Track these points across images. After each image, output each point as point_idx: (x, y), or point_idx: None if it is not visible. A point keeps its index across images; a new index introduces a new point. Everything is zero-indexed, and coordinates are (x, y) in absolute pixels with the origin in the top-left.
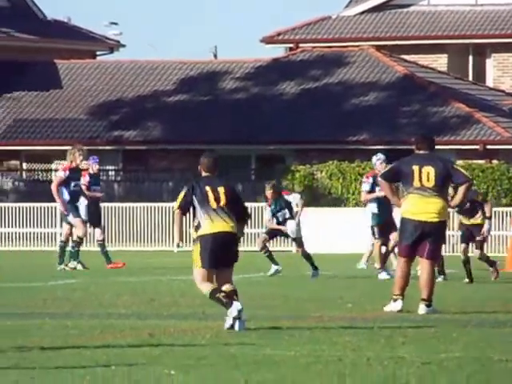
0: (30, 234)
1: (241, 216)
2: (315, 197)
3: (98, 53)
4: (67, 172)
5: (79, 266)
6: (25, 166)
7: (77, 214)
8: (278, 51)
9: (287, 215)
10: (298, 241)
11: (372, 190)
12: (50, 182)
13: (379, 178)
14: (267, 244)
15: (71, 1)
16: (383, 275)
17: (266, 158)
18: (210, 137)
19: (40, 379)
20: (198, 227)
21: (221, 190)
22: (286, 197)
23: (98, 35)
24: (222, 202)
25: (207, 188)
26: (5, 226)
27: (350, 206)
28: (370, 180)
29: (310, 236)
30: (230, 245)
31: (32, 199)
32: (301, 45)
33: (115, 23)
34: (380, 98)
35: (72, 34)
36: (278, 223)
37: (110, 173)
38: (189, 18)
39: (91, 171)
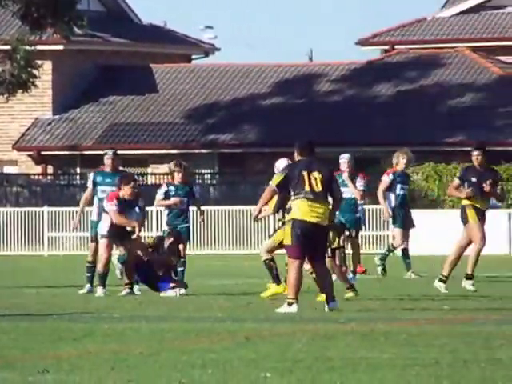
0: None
1: (335, 200)
2: (411, 198)
3: (193, 56)
4: (391, 176)
5: None
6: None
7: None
8: (373, 53)
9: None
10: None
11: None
12: (147, 185)
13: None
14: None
15: (167, 5)
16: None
17: (361, 159)
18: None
19: (136, 382)
20: (289, 210)
21: (317, 174)
22: None
23: (194, 39)
24: (318, 186)
25: (304, 172)
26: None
27: (447, 208)
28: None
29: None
30: (320, 236)
31: None
32: (396, 46)
33: (210, 27)
34: (476, 99)
35: (167, 38)
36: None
37: (205, 176)
38: (284, 20)
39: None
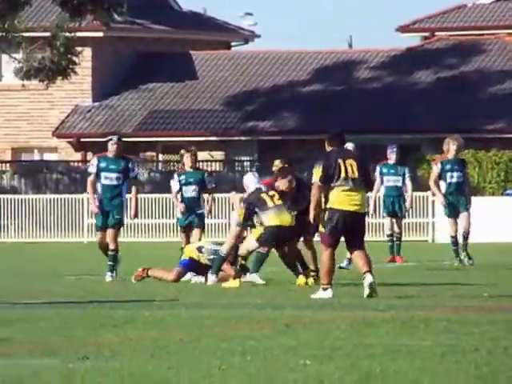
0: (166, 224)
1: (368, 186)
2: None
3: (232, 43)
4: (439, 165)
5: None
6: (161, 157)
7: None
8: (413, 40)
9: None
10: None
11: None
12: None
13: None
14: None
15: None
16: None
17: (401, 147)
18: (345, 126)
19: (176, 369)
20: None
21: (352, 162)
22: None
23: (233, 26)
24: (354, 173)
25: (339, 161)
26: (141, 217)
27: (487, 195)
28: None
29: (444, 225)
30: (358, 223)
31: (168, 190)
32: (436, 33)
33: (250, 14)
34: None
35: (207, 25)
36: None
37: (245, 163)
38: (324, 7)
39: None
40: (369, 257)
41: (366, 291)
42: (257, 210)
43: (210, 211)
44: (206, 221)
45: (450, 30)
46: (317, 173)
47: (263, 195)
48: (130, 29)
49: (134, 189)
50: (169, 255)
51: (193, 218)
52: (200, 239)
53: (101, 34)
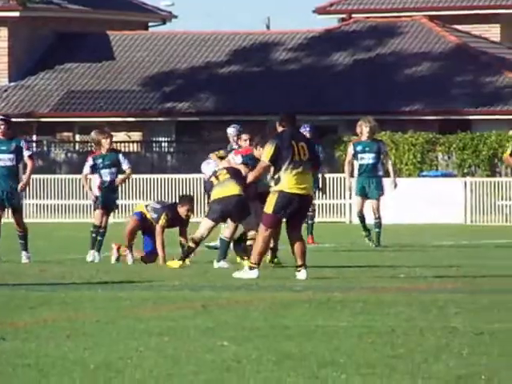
0: (82, 205)
1: (314, 168)
2: None
3: (150, 24)
4: (351, 146)
5: None
6: (78, 137)
7: None
8: (330, 22)
9: None
10: None
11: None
12: None
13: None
14: None
15: None
16: None
17: (318, 128)
18: (263, 108)
19: (92, 350)
20: (278, 181)
21: (303, 144)
22: None
23: (150, 6)
24: (305, 156)
25: (293, 143)
26: (57, 198)
27: (403, 177)
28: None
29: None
30: (303, 206)
31: None
32: (354, 15)
33: None
34: (433, 68)
35: (124, 5)
36: None
37: (163, 144)
38: None
39: None
40: (305, 247)
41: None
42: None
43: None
44: (123, 201)
45: (368, 11)
46: (268, 152)
47: (212, 178)
48: (46, 8)
49: (29, 163)
50: (85, 235)
51: (110, 200)
52: (106, 223)
53: (17, 14)
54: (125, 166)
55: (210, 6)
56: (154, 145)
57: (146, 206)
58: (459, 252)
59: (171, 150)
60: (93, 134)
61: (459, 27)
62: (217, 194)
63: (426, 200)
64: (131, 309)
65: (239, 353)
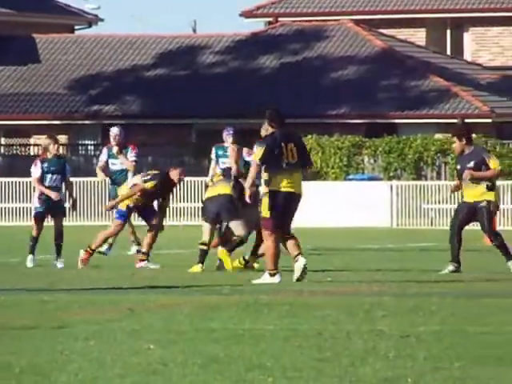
0: (8, 209)
1: (304, 167)
2: None
3: (76, 27)
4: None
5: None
6: (3, 140)
7: None
8: (257, 25)
9: None
10: None
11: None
12: (29, 156)
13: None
14: None
15: None
16: None
17: (246, 131)
18: (190, 111)
19: (18, 354)
20: (267, 182)
21: (292, 146)
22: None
23: (76, 9)
24: (294, 158)
25: (282, 144)
26: None
27: (330, 180)
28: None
29: None
30: (295, 204)
31: (10, 174)
32: (280, 19)
33: None
34: (359, 72)
35: (50, 8)
36: None
37: (89, 147)
38: None
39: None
40: (298, 241)
41: (297, 274)
42: None
43: (74, 204)
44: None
45: (294, 15)
46: (258, 152)
47: (209, 181)
48: None
49: None
50: (10, 238)
51: (53, 206)
52: (62, 227)
53: None
54: (68, 174)
55: (136, 10)
56: (79, 148)
57: (132, 185)
58: (385, 255)
59: (97, 152)
60: (44, 139)
61: (385, 31)
62: (208, 193)
63: (353, 203)
64: (56, 312)
65: (165, 356)
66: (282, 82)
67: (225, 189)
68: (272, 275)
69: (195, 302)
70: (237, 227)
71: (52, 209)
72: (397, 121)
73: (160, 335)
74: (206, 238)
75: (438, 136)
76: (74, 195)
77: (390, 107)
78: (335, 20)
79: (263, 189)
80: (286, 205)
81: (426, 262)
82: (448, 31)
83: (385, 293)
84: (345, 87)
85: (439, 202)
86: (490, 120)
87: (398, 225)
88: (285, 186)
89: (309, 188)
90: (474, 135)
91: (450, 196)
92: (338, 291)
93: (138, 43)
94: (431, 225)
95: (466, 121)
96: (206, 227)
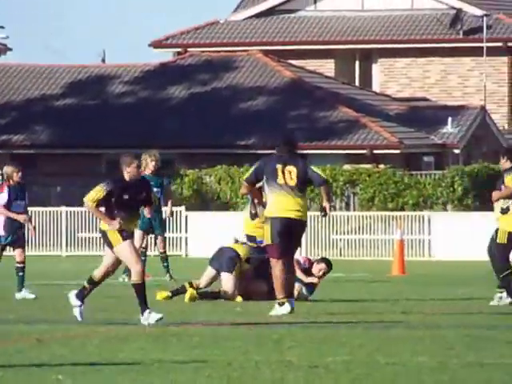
0: None
1: (302, 192)
2: (204, 201)
3: None
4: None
5: None
6: None
7: None
8: (166, 56)
9: None
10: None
11: None
12: None
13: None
14: None
15: None
16: None
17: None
18: (99, 141)
19: None
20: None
21: (291, 168)
22: None
23: None
24: (292, 180)
25: (278, 166)
26: None
27: (239, 211)
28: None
29: (202, 240)
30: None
31: None
32: (189, 49)
33: (2, 27)
34: (268, 102)
35: None
36: None
37: None
38: (77, 21)
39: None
40: (293, 280)
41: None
42: None
43: (34, 228)
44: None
45: (203, 46)
46: (248, 172)
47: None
48: None
49: None
50: None
51: (16, 236)
52: (24, 258)
53: None
54: (27, 200)
55: (45, 39)
56: None
57: None
58: None
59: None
60: (6, 167)
61: (294, 62)
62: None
63: None
64: None
65: None
66: (191, 113)
67: (240, 247)
68: (281, 304)
69: (104, 332)
70: (228, 281)
71: (15, 239)
72: (306, 151)
73: (69, 366)
74: (202, 283)
75: (346, 167)
76: None
77: (299, 138)
78: (244, 50)
79: (265, 213)
80: (288, 231)
81: (334, 293)
82: (357, 62)
83: (294, 323)
84: (254, 118)
85: (348, 233)
86: (398, 151)
87: (308, 255)
88: (282, 210)
89: (217, 218)
90: (381, 166)
91: (359, 227)
92: (247, 321)
93: (46, 73)
94: (340, 255)
95: (374, 152)
96: (209, 272)
